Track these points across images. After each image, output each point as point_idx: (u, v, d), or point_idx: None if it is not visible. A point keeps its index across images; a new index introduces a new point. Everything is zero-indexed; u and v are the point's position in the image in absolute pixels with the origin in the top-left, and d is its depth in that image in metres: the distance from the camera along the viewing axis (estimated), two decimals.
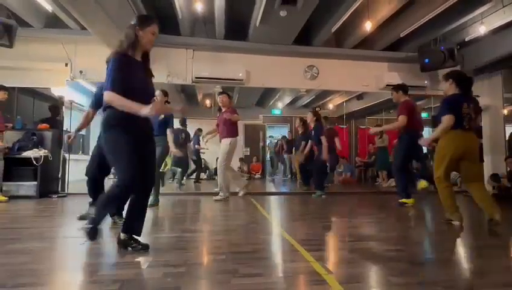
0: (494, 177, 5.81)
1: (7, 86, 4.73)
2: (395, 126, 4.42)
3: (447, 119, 2.93)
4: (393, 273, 1.70)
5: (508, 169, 5.46)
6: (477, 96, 6.65)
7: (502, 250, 2.37)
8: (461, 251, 2.32)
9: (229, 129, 4.78)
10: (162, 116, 3.76)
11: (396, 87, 4.56)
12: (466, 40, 5.89)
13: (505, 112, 6.64)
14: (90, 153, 3.11)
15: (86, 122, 3.17)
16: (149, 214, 3.69)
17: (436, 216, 3.78)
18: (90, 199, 2.90)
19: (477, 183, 3.11)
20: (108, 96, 1.89)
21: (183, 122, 7.34)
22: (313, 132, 5.49)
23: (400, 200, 4.26)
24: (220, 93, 5.09)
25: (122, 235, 2.03)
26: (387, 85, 6.33)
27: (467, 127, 2.95)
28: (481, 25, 5.15)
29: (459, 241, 2.61)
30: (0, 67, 5.22)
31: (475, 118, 3.07)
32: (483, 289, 1.55)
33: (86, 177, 3.02)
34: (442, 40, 5.79)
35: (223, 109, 4.90)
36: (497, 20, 5.07)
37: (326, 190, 5.57)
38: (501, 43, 5.59)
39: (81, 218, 2.90)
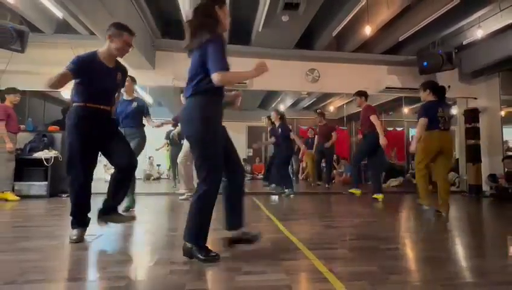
0: (492, 177, 5.76)
1: (19, 89, 4.78)
2: (380, 129, 4.74)
3: (421, 122, 3.51)
4: (393, 271, 1.69)
5: (506, 169, 5.43)
6: (475, 98, 6.65)
7: (502, 250, 2.35)
8: (459, 249, 2.30)
9: None
10: (135, 104, 3.49)
11: (360, 93, 5.03)
12: (464, 43, 5.86)
13: (502, 113, 6.59)
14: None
15: None
16: (152, 214, 3.72)
17: (428, 215, 3.74)
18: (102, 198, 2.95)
19: (446, 176, 3.72)
20: (222, 76, 1.73)
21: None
22: (279, 129, 5.45)
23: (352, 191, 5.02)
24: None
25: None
26: (387, 88, 6.32)
27: (442, 128, 3.48)
28: (478, 29, 5.11)
29: (458, 240, 2.59)
30: (12, 71, 5.26)
31: (449, 121, 3.59)
32: (481, 287, 1.53)
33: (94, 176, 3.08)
34: (441, 44, 5.76)
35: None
36: (494, 24, 5.03)
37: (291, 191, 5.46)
38: (498, 47, 5.55)
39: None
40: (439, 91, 3.68)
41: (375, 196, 4.83)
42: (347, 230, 2.82)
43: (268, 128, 6.33)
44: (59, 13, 4.88)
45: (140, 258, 1.90)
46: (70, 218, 2.27)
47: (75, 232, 2.24)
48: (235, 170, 1.96)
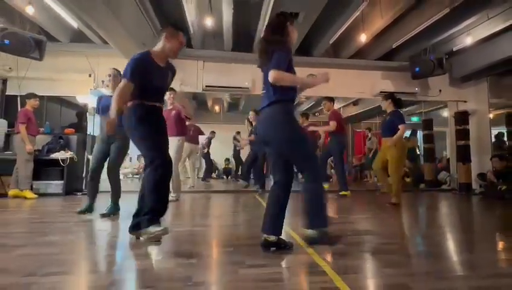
0: (481, 176, 5.73)
1: (38, 94, 4.82)
2: (326, 129, 5.10)
3: (405, 128, 3.74)
4: (387, 265, 1.68)
5: (493, 167, 5.41)
6: (465, 101, 6.62)
7: (489, 244, 2.33)
8: (451, 244, 2.29)
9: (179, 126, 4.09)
10: None
11: (329, 98, 5.18)
12: (454, 50, 5.84)
13: (491, 116, 6.56)
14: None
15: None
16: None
17: (419, 213, 3.74)
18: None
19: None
20: (278, 73, 1.79)
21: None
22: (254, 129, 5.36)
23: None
24: (170, 89, 4.26)
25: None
26: (381, 92, 6.28)
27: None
28: (468, 36, 5.10)
29: (449, 235, 2.58)
30: (31, 78, 5.31)
31: None
32: (472, 279, 1.52)
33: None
34: (432, 50, 5.74)
35: (169, 107, 4.32)
36: (483, 31, 5.01)
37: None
38: (486, 53, 5.53)
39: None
40: (398, 102, 3.99)
41: (342, 193, 4.89)
42: (343, 226, 2.81)
43: (248, 130, 6.15)
44: (74, 23, 4.93)
45: (149, 252, 1.91)
46: (146, 217, 2.02)
47: (159, 228, 2.01)
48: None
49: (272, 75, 1.79)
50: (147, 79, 2.08)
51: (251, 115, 5.61)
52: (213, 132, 8.89)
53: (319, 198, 1.94)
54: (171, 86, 4.25)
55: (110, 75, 3.08)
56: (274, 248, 1.85)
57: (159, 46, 2.17)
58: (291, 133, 1.89)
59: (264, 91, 1.97)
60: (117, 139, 3.02)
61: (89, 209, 3.11)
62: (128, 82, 2.03)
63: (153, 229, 1.99)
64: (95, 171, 3.13)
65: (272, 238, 1.85)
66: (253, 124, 5.42)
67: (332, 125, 4.83)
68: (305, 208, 1.96)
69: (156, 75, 2.14)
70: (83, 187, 5.39)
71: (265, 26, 2.02)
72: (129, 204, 3.69)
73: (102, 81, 5.56)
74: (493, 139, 6.73)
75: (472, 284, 1.45)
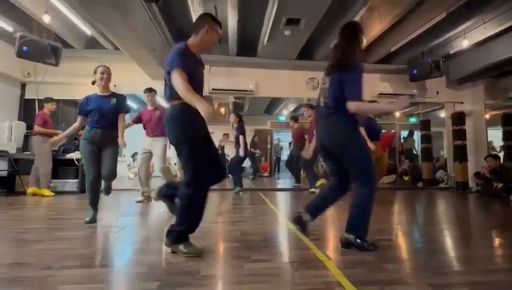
0: (477, 175, 5.67)
1: (54, 98, 4.88)
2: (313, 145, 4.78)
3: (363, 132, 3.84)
4: (388, 260, 1.67)
5: (488, 165, 5.38)
6: (461, 102, 6.55)
7: (485, 240, 2.31)
8: (448, 240, 2.27)
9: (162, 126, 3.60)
10: (114, 100, 2.69)
11: (310, 105, 5.06)
12: (451, 53, 5.77)
13: (487, 116, 6.48)
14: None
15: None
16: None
17: (417, 210, 3.70)
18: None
19: None
20: (357, 105, 1.74)
21: None
22: (236, 131, 5.01)
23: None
24: (147, 90, 4.08)
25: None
26: (380, 94, 6.26)
27: None
28: (464, 40, 5.04)
29: (446, 232, 2.55)
30: (48, 82, 5.39)
31: None
32: (469, 274, 1.51)
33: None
34: (429, 53, 5.69)
35: (150, 108, 4.10)
36: (479, 35, 4.96)
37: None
38: (482, 56, 5.46)
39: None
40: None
41: (312, 190, 4.94)
42: (344, 223, 2.79)
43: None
44: (88, 31, 4.98)
45: (160, 247, 1.92)
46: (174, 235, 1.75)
47: (191, 248, 1.72)
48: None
49: (352, 107, 1.73)
50: (193, 72, 1.72)
51: (232, 117, 5.12)
52: (226, 134, 8.77)
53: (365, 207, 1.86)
54: (150, 87, 4.09)
55: (103, 73, 2.66)
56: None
57: (196, 38, 1.81)
58: (354, 138, 1.88)
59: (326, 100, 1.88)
60: (109, 142, 2.65)
61: (95, 218, 2.66)
62: (181, 70, 1.63)
63: (185, 248, 1.71)
64: (97, 180, 2.67)
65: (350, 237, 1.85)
66: (235, 126, 5.09)
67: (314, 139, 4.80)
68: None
69: (198, 69, 1.84)
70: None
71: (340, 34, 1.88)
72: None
73: (114, 85, 5.62)
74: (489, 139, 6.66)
75: (469, 279, 1.43)
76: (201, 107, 1.53)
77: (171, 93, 1.71)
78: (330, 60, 1.92)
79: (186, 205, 1.72)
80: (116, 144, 2.72)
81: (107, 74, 2.69)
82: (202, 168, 1.70)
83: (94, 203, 2.66)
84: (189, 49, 1.78)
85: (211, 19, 1.84)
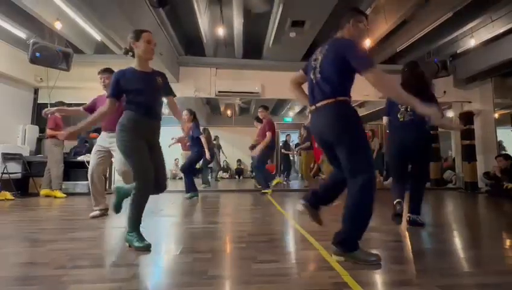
0: (487, 175, 5.55)
1: (66, 102, 4.98)
2: (266, 142, 4.92)
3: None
4: (394, 261, 1.65)
5: (499, 165, 5.27)
6: (469, 102, 6.43)
7: (495, 242, 2.26)
8: (457, 241, 2.23)
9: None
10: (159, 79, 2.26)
11: (265, 107, 5.27)
12: (458, 52, 5.69)
13: (496, 115, 6.35)
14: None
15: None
16: (177, 209, 3.78)
17: (425, 211, 3.63)
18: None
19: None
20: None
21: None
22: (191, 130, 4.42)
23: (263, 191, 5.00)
24: (104, 71, 3.13)
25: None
26: None
27: None
28: (471, 39, 4.96)
29: (455, 233, 2.51)
30: (60, 87, 5.50)
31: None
32: (478, 276, 1.48)
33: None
34: (436, 53, 5.62)
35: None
36: (486, 33, 4.87)
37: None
38: (490, 54, 5.36)
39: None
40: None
41: (264, 191, 4.96)
42: None
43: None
44: (98, 36, 5.07)
45: (168, 247, 1.94)
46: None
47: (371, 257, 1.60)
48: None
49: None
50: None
51: (184, 113, 4.29)
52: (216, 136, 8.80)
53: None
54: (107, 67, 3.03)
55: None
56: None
57: (344, 32, 1.77)
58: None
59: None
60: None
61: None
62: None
63: (364, 256, 1.61)
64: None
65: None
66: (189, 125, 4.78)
67: (269, 136, 4.87)
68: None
69: None
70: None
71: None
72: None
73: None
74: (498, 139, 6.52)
75: (478, 281, 1.40)
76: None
77: (334, 91, 1.70)
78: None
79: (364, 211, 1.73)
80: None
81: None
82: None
83: (139, 222, 1.91)
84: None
85: (356, 12, 1.81)
